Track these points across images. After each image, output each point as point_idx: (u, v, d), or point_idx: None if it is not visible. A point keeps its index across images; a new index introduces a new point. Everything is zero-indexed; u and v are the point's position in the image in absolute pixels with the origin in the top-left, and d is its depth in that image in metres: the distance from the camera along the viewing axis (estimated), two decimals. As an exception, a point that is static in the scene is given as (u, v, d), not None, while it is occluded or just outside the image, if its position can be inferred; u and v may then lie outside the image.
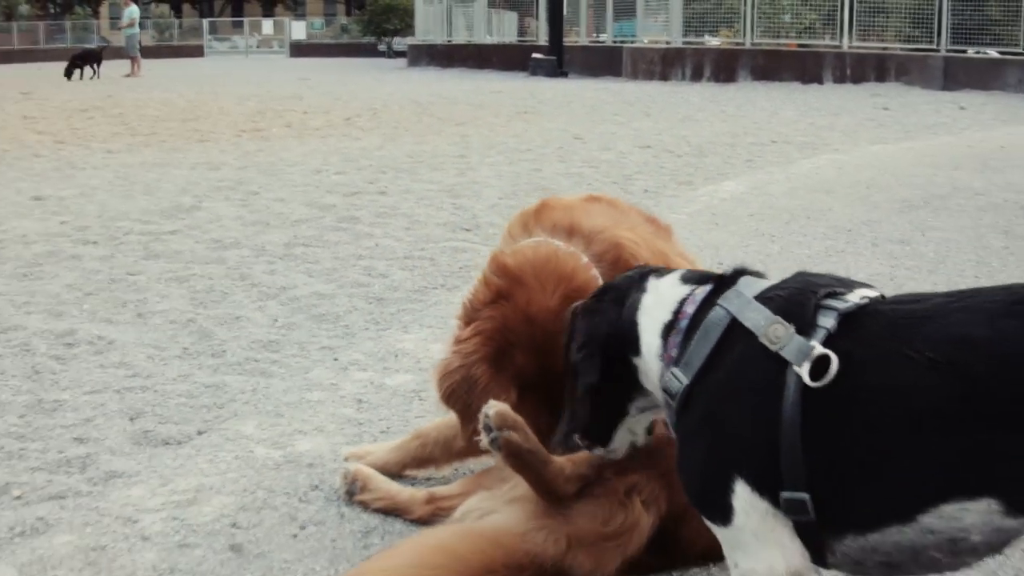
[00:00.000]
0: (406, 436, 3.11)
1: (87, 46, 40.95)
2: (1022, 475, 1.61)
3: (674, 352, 1.94)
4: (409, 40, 44.98)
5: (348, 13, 76.64)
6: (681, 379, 1.89)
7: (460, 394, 2.50)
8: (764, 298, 1.86)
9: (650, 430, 2.21)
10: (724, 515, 1.83)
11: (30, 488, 3.18)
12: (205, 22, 70.19)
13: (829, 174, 9.77)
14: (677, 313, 1.97)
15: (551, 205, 2.72)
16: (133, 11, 36.36)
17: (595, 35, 33.15)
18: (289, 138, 13.73)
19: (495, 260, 2.57)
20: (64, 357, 4.55)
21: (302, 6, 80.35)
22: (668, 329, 1.97)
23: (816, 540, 1.79)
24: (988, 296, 1.71)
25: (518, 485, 2.51)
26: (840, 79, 23.45)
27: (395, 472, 3.04)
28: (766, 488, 1.77)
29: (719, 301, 1.91)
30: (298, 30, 68.96)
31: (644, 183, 9.55)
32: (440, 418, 2.98)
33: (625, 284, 2.10)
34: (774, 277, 1.98)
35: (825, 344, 1.75)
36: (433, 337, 4.54)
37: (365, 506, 2.89)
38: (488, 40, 37.53)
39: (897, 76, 22.68)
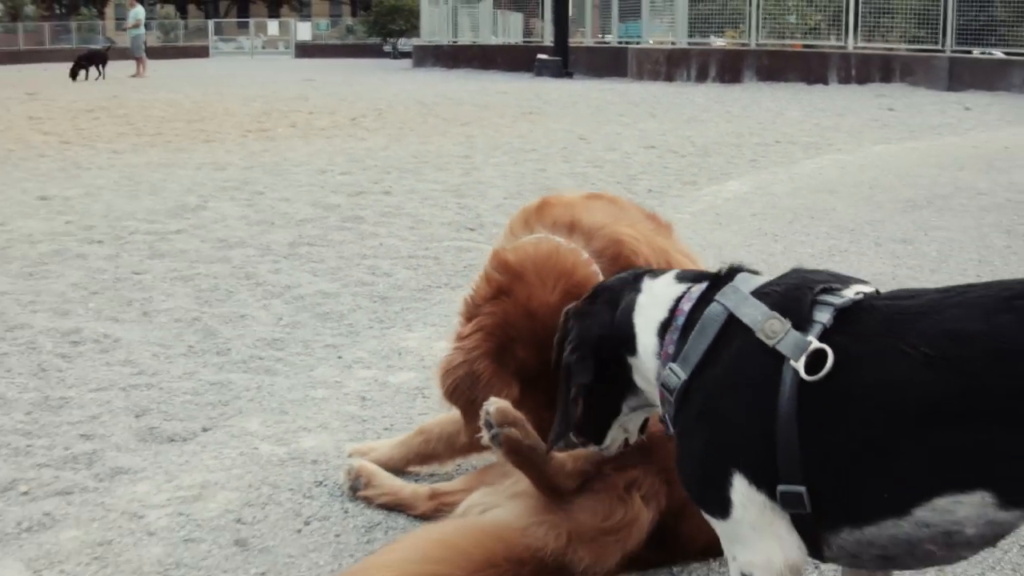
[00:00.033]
0: (409, 432, 3.14)
1: (92, 47, 41.00)
2: (1015, 469, 1.63)
3: (671, 349, 1.96)
4: (414, 41, 44.99)
5: (354, 14, 76.67)
6: (679, 374, 1.91)
7: (463, 390, 2.52)
8: (760, 294, 1.89)
9: (643, 428, 2.24)
10: (722, 508, 1.85)
11: (37, 484, 3.21)
12: (211, 23, 70.18)
13: (833, 174, 9.78)
14: (673, 311, 1.99)
15: (552, 202, 2.74)
16: (139, 12, 36.45)
17: (600, 36, 33.18)
18: (294, 138, 13.76)
19: (496, 256, 2.59)
20: (70, 355, 4.58)
21: (308, 7, 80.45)
22: (664, 327, 1.99)
23: (813, 533, 1.81)
24: (983, 291, 1.72)
25: (519, 481, 2.54)
26: (845, 80, 23.45)
27: (398, 468, 3.07)
28: (763, 481, 1.79)
29: (716, 297, 1.93)
30: (304, 31, 68.98)
31: (648, 183, 9.57)
32: (443, 414, 3.01)
33: (619, 285, 2.13)
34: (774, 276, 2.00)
35: (821, 339, 1.76)
36: (437, 335, 4.56)
37: (369, 502, 2.93)
38: (493, 41, 37.53)
39: (902, 77, 22.67)
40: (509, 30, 38.39)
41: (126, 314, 5.24)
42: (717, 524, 1.89)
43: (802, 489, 1.76)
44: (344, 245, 6.87)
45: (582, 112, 17.62)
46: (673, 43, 27.83)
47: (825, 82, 23.58)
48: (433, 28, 40.78)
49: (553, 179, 9.79)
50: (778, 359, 1.79)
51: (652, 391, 2.04)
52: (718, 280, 1.99)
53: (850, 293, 1.84)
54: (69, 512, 2.98)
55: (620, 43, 30.41)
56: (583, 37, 33.11)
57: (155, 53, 47.54)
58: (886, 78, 22.88)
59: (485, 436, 2.39)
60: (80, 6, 70.62)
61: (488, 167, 10.69)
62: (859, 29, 24.78)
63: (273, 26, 71.85)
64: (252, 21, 72.39)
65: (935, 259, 6.12)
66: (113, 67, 34.32)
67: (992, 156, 10.85)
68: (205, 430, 3.66)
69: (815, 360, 1.75)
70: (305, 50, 63.01)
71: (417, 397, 3.88)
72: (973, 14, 23.02)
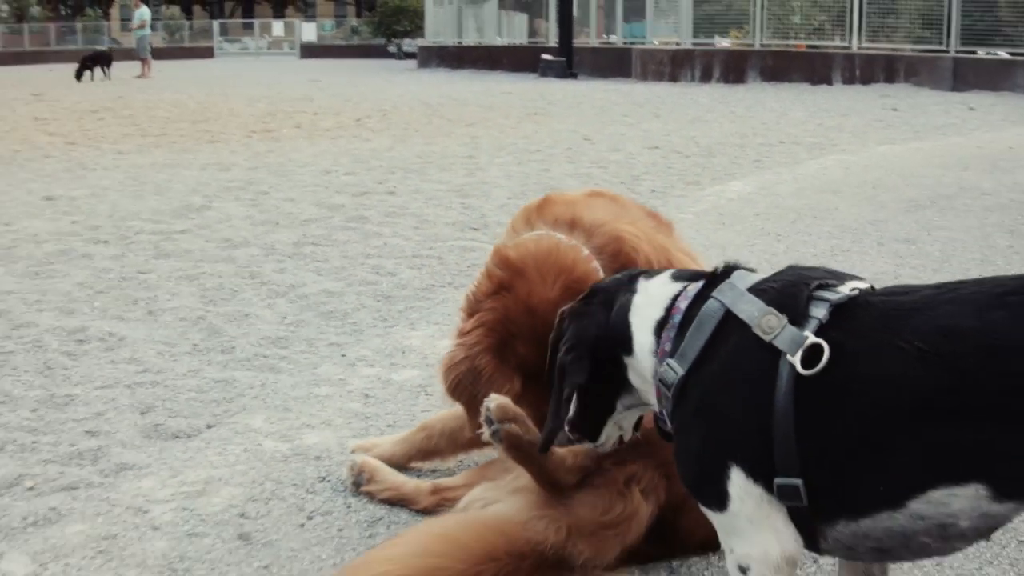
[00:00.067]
0: (412, 429, 3.16)
1: (97, 47, 41.09)
2: (1008, 463, 1.65)
3: (668, 347, 1.98)
4: (419, 42, 45.07)
5: (359, 15, 76.73)
6: (677, 370, 1.94)
7: (466, 385, 2.55)
8: (757, 290, 1.91)
9: (637, 426, 2.27)
10: (720, 501, 1.87)
11: (43, 479, 3.23)
12: (216, 24, 70.34)
13: (836, 174, 9.80)
14: (670, 309, 2.02)
15: (553, 200, 2.77)
16: (144, 13, 36.52)
17: (605, 36, 33.18)
18: (299, 139, 13.80)
19: (497, 253, 2.62)
20: (75, 353, 4.61)
21: (313, 8, 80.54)
22: (661, 325, 2.02)
23: (809, 526, 1.83)
24: (976, 288, 1.75)
25: (520, 476, 2.56)
26: (849, 80, 23.45)
27: (401, 464, 3.10)
28: (760, 475, 1.82)
29: (713, 294, 1.95)
30: (309, 32, 69.03)
31: (652, 183, 9.59)
32: (445, 411, 3.04)
33: (614, 287, 2.15)
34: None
35: (817, 334, 1.79)
36: (440, 334, 4.59)
37: (371, 497, 2.95)
38: (498, 41, 37.57)
39: (906, 77, 22.66)
40: (514, 31, 38.42)
41: (131, 313, 5.26)
42: (714, 517, 1.92)
43: (798, 482, 1.78)
44: (348, 245, 6.89)
45: (586, 113, 17.64)
46: (677, 43, 27.84)
47: (829, 82, 23.59)
48: (438, 29, 40.84)
49: (557, 179, 9.81)
50: (775, 354, 1.81)
51: (647, 389, 2.07)
52: (714, 278, 2.01)
53: (846, 289, 1.86)
54: (74, 507, 3.00)
55: (624, 44, 30.43)
56: (587, 38, 33.12)
57: (160, 54, 47.67)
58: (890, 78, 22.87)
59: (486, 432, 2.41)
60: (85, 7, 70.76)
61: (492, 167, 10.72)
62: (863, 29, 24.77)
63: (278, 27, 71.89)
64: (257, 22, 72.55)
65: (938, 259, 6.14)
66: (118, 68, 34.42)
67: (996, 156, 10.86)
68: (209, 427, 3.69)
69: (811, 355, 1.77)
70: (310, 51, 63.10)
71: (420, 394, 3.91)
72: (978, 15, 23.01)
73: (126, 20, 56.05)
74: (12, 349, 4.65)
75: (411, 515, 2.86)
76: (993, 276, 1.79)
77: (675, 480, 2.30)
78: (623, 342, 2.07)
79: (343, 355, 4.51)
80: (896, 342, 1.72)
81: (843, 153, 11.62)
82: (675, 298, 2.03)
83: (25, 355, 4.57)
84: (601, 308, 2.12)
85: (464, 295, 2.67)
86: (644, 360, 2.04)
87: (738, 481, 1.84)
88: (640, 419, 2.27)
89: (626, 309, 2.08)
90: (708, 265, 2.19)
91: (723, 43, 27.73)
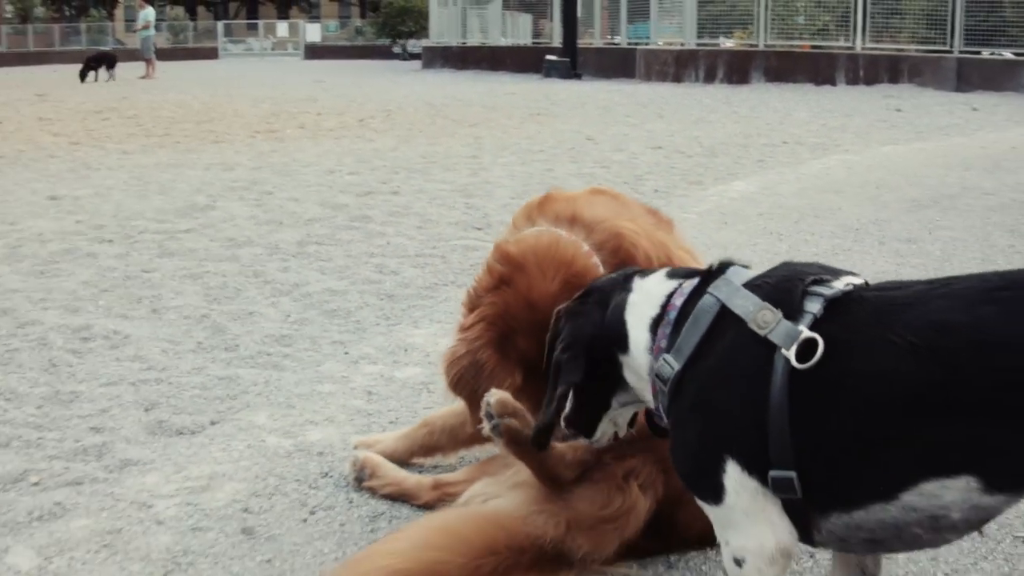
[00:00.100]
0: (414, 425, 3.19)
1: (101, 48, 41.16)
2: (998, 455, 1.67)
3: (663, 343, 2.01)
4: (424, 42, 45.07)
5: (363, 15, 76.78)
6: (673, 365, 1.96)
7: (467, 379, 2.57)
8: (752, 286, 1.94)
9: (632, 422, 2.29)
10: (715, 494, 1.90)
11: (48, 475, 3.26)
12: (220, 24, 70.41)
13: (839, 174, 9.82)
14: (665, 306, 2.05)
15: (554, 197, 2.79)
16: (148, 13, 36.55)
17: (609, 37, 33.18)
18: (303, 139, 13.83)
19: (498, 248, 2.65)
20: (80, 351, 4.64)
21: (317, 8, 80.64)
22: (656, 323, 2.04)
23: (803, 518, 1.85)
24: (967, 283, 1.77)
25: (520, 471, 2.59)
26: (853, 80, 23.45)
27: (403, 460, 3.13)
28: (755, 467, 1.84)
29: (709, 290, 1.98)
30: (313, 32, 69.11)
31: (654, 183, 9.61)
32: (447, 407, 3.06)
33: (609, 286, 2.18)
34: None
35: (811, 329, 1.81)
36: (443, 332, 4.61)
37: (373, 492, 2.98)
38: (502, 42, 37.58)
39: (910, 77, 22.67)
40: (518, 31, 38.42)
41: (136, 311, 5.29)
42: (710, 510, 1.94)
43: (793, 474, 1.81)
44: (352, 244, 6.92)
45: (590, 113, 17.66)
46: (682, 44, 27.84)
47: (833, 83, 23.59)
48: (442, 29, 40.84)
49: (560, 179, 9.83)
50: (770, 348, 1.84)
51: (643, 387, 2.09)
52: (709, 274, 2.03)
53: (840, 284, 1.88)
54: (79, 502, 3.03)
55: (629, 44, 30.43)
56: (592, 38, 33.13)
57: (164, 54, 47.70)
58: (894, 79, 22.88)
59: (486, 427, 2.44)
60: (90, 8, 70.87)
61: (496, 167, 10.75)
62: (867, 30, 24.77)
63: (282, 27, 71.98)
64: (261, 23, 72.63)
65: (939, 258, 6.16)
66: (122, 68, 34.46)
67: (999, 156, 10.88)
68: (213, 423, 3.72)
69: (806, 349, 1.80)
70: (314, 51, 63.17)
71: (422, 392, 3.94)
72: (982, 15, 23.01)
73: (130, 21, 56.14)
74: (17, 347, 4.68)
75: (412, 510, 2.89)
76: (984, 272, 1.81)
77: (673, 475, 2.31)
78: (619, 340, 2.10)
79: (346, 353, 4.54)
80: (889, 336, 1.74)
81: (846, 153, 11.64)
82: (671, 295, 2.05)
83: (30, 353, 4.60)
84: (596, 307, 2.14)
85: (465, 291, 2.70)
86: (640, 357, 2.07)
87: (734, 474, 1.86)
88: (635, 415, 2.29)
89: (621, 307, 2.10)
90: (707, 263, 2.21)
91: (727, 44, 27.74)
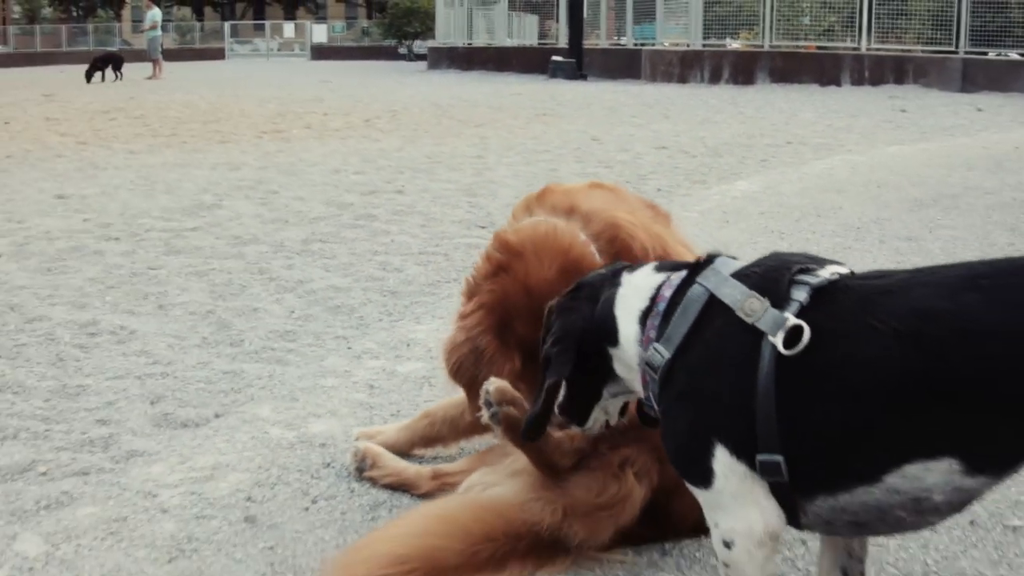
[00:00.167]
0: (415, 416, 3.24)
1: (108, 48, 41.27)
2: (979, 439, 1.72)
3: (653, 333, 2.05)
4: (430, 43, 45.15)
5: (369, 16, 76.85)
6: (663, 353, 2.01)
7: (467, 367, 2.62)
8: (740, 275, 1.98)
9: (623, 411, 2.34)
10: (705, 478, 1.94)
11: (55, 465, 3.31)
12: (226, 25, 70.54)
13: (842, 174, 9.85)
14: (654, 299, 2.09)
15: (553, 189, 2.85)
16: (155, 14, 36.68)
17: (615, 38, 33.22)
18: (309, 139, 13.88)
19: (497, 237, 2.70)
20: (87, 346, 4.70)
21: (323, 9, 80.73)
22: (646, 315, 2.09)
23: (790, 501, 1.90)
24: (951, 271, 1.82)
25: (518, 459, 2.64)
26: (858, 81, 23.47)
27: (404, 451, 3.17)
28: (743, 452, 1.89)
29: (697, 280, 2.02)
30: (319, 33, 69.20)
31: (658, 182, 9.65)
32: (447, 399, 3.12)
33: (598, 281, 2.23)
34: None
35: (798, 316, 1.86)
36: (444, 327, 4.63)
37: (374, 482, 3.03)
38: (508, 43, 37.62)
39: (915, 78, 22.68)
40: (524, 32, 38.48)
41: (142, 307, 5.35)
42: (700, 494, 1.99)
43: (780, 458, 1.85)
44: (356, 242, 6.98)
45: (595, 113, 17.70)
46: (687, 45, 27.88)
47: (838, 84, 23.60)
48: (448, 30, 40.89)
49: (564, 179, 9.85)
50: (757, 336, 1.88)
51: (633, 378, 2.14)
52: (698, 266, 2.08)
53: (826, 273, 1.93)
54: (86, 491, 3.08)
55: (635, 45, 30.46)
56: (598, 39, 33.16)
57: (171, 55, 47.86)
58: (899, 79, 22.89)
59: (485, 415, 2.49)
60: (97, 8, 71.07)
61: (501, 167, 10.79)
62: (873, 31, 24.79)
63: (289, 28, 72.07)
64: (268, 23, 72.66)
65: (939, 256, 6.20)
66: (129, 69, 34.56)
67: (1002, 156, 10.90)
68: (218, 416, 3.77)
69: (792, 336, 1.84)
70: (321, 52, 63.28)
71: (424, 385, 3.99)
72: (988, 16, 23.01)
73: (137, 21, 56.25)
74: (25, 342, 4.74)
75: (412, 499, 2.93)
76: (969, 261, 1.86)
77: (668, 465, 2.35)
78: (608, 334, 2.14)
79: (349, 348, 4.59)
80: (873, 323, 1.79)
81: (850, 153, 11.67)
82: (659, 287, 2.10)
83: (38, 347, 4.66)
84: (586, 302, 2.19)
85: (464, 279, 2.75)
86: (630, 350, 2.11)
87: (722, 458, 1.91)
88: (626, 405, 2.34)
89: (611, 302, 2.15)
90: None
91: (733, 44, 27.77)
